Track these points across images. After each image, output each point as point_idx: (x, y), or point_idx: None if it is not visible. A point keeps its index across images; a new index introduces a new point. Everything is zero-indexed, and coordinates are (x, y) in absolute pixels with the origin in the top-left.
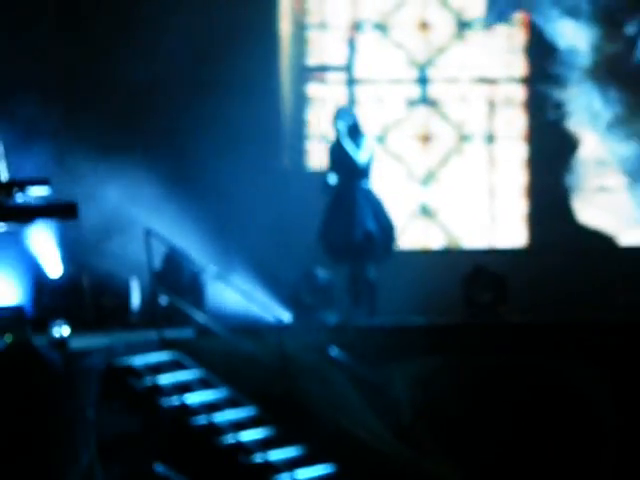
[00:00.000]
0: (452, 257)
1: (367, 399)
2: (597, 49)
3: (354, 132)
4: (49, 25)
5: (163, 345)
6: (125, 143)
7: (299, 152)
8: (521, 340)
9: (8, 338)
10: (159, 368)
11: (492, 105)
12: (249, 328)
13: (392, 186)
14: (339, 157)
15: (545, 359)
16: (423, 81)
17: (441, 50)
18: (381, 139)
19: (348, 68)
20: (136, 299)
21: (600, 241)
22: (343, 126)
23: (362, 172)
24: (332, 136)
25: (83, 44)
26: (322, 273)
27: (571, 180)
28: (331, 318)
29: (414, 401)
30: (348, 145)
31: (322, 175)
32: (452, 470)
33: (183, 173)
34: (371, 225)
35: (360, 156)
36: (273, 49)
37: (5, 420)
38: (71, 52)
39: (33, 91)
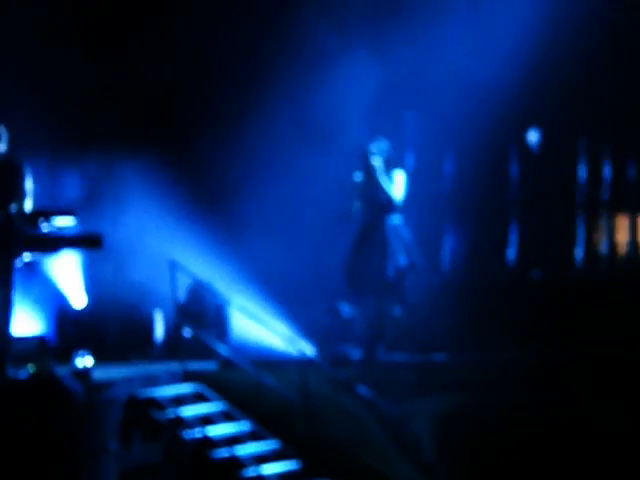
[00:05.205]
0: None
1: (390, 434)
2: None
3: (388, 166)
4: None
5: (186, 377)
6: (158, 174)
7: None
8: (544, 375)
9: (31, 368)
10: (181, 400)
11: None
12: (272, 362)
13: None
14: (370, 192)
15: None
16: None
17: None
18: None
19: None
20: (160, 331)
21: None
22: (380, 161)
23: (393, 207)
24: (364, 170)
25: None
26: (346, 308)
27: None
28: (354, 353)
29: (437, 438)
30: (384, 182)
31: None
32: None
33: (210, 204)
34: (403, 261)
35: (395, 192)
36: None
37: (27, 451)
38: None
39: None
